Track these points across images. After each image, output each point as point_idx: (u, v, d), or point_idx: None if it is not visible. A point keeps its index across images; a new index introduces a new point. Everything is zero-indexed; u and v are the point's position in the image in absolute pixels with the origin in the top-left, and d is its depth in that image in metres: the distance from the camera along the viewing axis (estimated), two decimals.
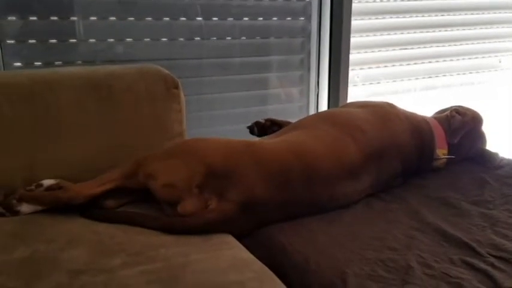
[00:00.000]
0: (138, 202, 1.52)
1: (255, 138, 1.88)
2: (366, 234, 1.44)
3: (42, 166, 1.57)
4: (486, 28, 3.08)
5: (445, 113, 1.98)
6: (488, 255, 1.35)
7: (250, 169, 1.47)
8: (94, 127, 1.65)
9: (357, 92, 2.72)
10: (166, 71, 1.77)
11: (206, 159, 1.46)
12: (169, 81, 1.76)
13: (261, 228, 1.46)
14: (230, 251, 1.31)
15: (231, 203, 1.41)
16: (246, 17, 2.39)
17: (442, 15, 2.90)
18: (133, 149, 1.66)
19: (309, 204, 1.54)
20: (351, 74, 2.62)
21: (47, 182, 1.51)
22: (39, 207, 1.45)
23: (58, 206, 1.44)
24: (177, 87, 1.77)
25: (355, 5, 2.54)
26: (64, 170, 1.58)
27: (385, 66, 2.81)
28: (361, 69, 2.73)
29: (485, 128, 2.03)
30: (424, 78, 2.95)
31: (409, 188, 1.76)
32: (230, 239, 1.37)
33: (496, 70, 3.18)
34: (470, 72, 3.10)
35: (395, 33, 2.80)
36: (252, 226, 1.46)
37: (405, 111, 1.90)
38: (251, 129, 1.95)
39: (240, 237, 1.40)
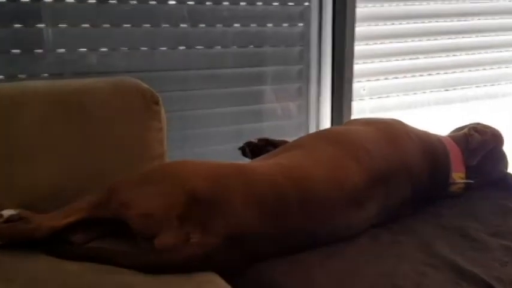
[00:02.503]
0: (109, 236, 1.51)
1: (248, 161, 1.87)
2: (371, 271, 1.43)
3: (1, 194, 1.55)
4: (510, 35, 3.09)
5: (462, 132, 1.98)
6: None
7: (239, 197, 1.46)
8: (63, 149, 1.64)
9: (363, 106, 2.72)
10: (145, 85, 1.77)
11: (188, 185, 1.45)
12: (148, 96, 1.75)
13: (251, 265, 1.45)
14: None
15: (217, 235, 1.40)
16: (237, 23, 2.40)
17: (459, 21, 2.92)
18: (107, 174, 1.65)
19: (307, 237, 1.53)
20: (355, 86, 2.63)
21: (7, 213, 1.48)
22: None
23: (18, 241, 1.42)
24: (157, 102, 1.77)
25: (359, 10, 2.55)
26: (26, 198, 1.56)
27: (395, 78, 2.82)
28: (367, 81, 2.74)
29: (508, 148, 2.03)
30: (439, 91, 2.96)
31: (420, 217, 1.75)
32: (215, 278, 1.36)
33: None
34: (492, 84, 3.11)
35: (406, 41, 2.81)
36: (241, 262, 1.44)
37: (416, 129, 1.91)
38: (243, 151, 1.94)
39: (226, 276, 1.39)
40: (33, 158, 1.61)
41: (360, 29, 2.58)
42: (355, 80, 2.61)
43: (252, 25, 2.44)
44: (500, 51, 3.09)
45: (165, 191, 1.45)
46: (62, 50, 2.08)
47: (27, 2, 1.99)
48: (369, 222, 1.65)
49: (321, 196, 1.56)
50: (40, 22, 2.03)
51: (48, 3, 2.02)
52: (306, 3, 2.53)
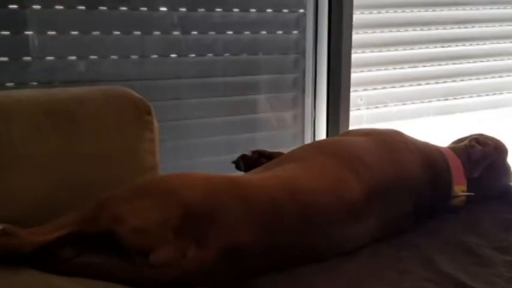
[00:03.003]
0: (100, 249, 1.49)
1: (242, 174, 1.88)
2: (372, 287, 1.44)
3: None
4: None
5: (462, 143, 1.98)
6: None
7: (236, 210, 1.47)
8: (51, 160, 1.65)
9: (360, 116, 2.74)
10: (137, 94, 1.78)
11: (184, 199, 1.46)
12: (140, 106, 1.76)
13: (248, 280, 1.46)
14: None
15: (213, 250, 1.41)
16: (230, 30, 2.41)
17: (459, 28, 2.94)
18: (97, 186, 1.65)
19: (305, 251, 1.54)
20: (352, 95, 2.64)
21: None
22: None
23: (2, 257, 1.40)
24: (149, 113, 1.78)
25: (356, 16, 2.57)
26: (13, 211, 1.56)
27: (393, 87, 2.84)
28: (364, 90, 2.75)
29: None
30: (439, 100, 2.97)
31: (421, 232, 1.76)
32: None
33: None
34: (494, 93, 3.13)
35: (405, 49, 2.83)
36: (237, 277, 1.45)
37: (416, 140, 1.92)
38: (237, 164, 1.95)
39: None
40: (20, 170, 1.61)
41: (357, 36, 2.60)
42: (352, 89, 2.62)
43: (245, 32, 2.46)
44: (503, 60, 3.10)
45: (159, 205, 1.45)
46: (51, 58, 2.09)
47: (14, 8, 2.00)
48: (369, 236, 1.66)
49: (318, 209, 1.57)
50: (28, 29, 2.04)
51: (36, 9, 2.03)
52: (301, 10, 2.55)
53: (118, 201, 1.48)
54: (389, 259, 1.60)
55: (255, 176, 1.69)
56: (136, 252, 1.42)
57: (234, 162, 1.97)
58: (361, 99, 2.74)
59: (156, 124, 1.81)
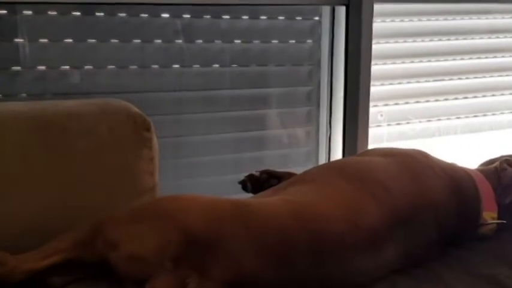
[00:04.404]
0: (93, 278, 1.51)
1: (249, 196, 1.89)
2: None
3: None
4: None
5: (493, 165, 1.98)
6: None
7: (241, 238, 1.47)
8: (42, 180, 1.66)
9: (380, 134, 2.74)
10: (136, 109, 1.79)
11: (184, 224, 1.46)
12: (139, 122, 1.77)
13: None
14: None
15: (216, 282, 1.41)
16: (238, 39, 2.43)
17: (490, 38, 2.94)
18: (91, 209, 1.66)
19: (317, 284, 1.54)
20: (372, 111, 2.64)
21: None
22: None
23: None
24: (149, 128, 1.79)
25: (376, 25, 2.56)
26: (1, 236, 1.57)
27: (417, 102, 2.84)
28: (385, 105, 2.75)
29: None
30: (467, 117, 2.97)
31: (446, 262, 1.75)
32: None
33: None
34: None
35: (429, 60, 2.83)
36: None
37: (442, 161, 1.92)
38: (243, 185, 1.96)
39: None
40: (8, 190, 1.62)
41: (377, 46, 2.60)
42: (371, 103, 2.61)
43: (255, 41, 2.47)
44: None
45: (157, 230, 1.45)
46: (42, 68, 2.11)
47: (3, 13, 2.02)
48: (388, 268, 1.65)
49: (333, 238, 1.56)
50: (18, 36, 2.06)
51: (27, 15, 2.05)
52: (316, 18, 2.57)
53: (113, 225, 1.48)
54: None
55: (264, 200, 1.69)
56: (131, 281, 1.42)
57: (240, 182, 1.98)
58: (381, 115, 2.75)
59: (155, 141, 1.81)
